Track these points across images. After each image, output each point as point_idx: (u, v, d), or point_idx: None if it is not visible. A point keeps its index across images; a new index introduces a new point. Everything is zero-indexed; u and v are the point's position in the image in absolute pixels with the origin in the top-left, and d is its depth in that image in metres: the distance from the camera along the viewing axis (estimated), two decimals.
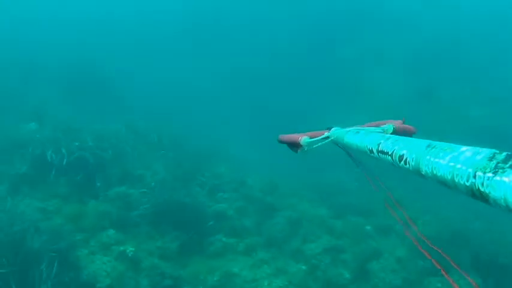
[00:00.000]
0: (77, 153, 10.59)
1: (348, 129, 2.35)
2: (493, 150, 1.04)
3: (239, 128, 18.37)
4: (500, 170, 0.94)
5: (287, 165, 14.91)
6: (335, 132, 2.42)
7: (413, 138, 1.55)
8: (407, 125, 2.52)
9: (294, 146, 2.61)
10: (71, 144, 10.78)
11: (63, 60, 19.54)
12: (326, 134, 2.50)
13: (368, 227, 11.17)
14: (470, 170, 1.04)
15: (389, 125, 2.43)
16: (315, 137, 2.55)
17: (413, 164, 1.38)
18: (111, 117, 14.46)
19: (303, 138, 2.54)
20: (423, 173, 1.31)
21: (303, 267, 9.73)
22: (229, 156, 14.09)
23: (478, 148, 1.10)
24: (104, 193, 10.26)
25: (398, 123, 2.49)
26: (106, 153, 11.18)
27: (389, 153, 1.60)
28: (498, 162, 0.97)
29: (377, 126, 2.46)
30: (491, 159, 1.00)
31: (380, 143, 1.72)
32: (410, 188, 11.88)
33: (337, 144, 2.40)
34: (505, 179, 0.92)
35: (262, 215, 11.35)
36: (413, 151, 1.41)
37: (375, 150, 1.76)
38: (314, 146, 2.53)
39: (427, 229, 11.20)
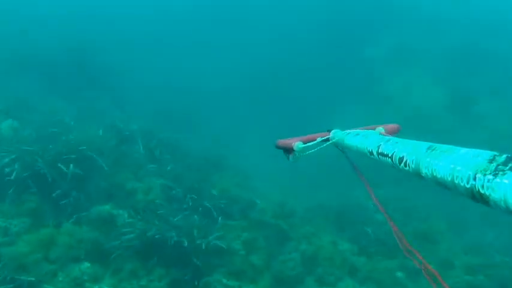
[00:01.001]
0: (53, 162, 8.74)
1: (347, 131, 2.34)
2: (493, 153, 1.03)
3: (247, 132, 16.39)
4: (501, 172, 0.94)
5: (302, 176, 13.09)
6: (335, 134, 2.38)
7: (413, 141, 1.54)
8: (393, 125, 2.50)
9: (288, 151, 2.51)
10: (46, 151, 8.93)
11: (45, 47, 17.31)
12: (326, 136, 2.44)
13: (399, 274, 9.26)
14: (470, 172, 1.04)
15: (381, 128, 2.37)
16: (313, 140, 2.47)
17: (413, 166, 1.38)
18: (99, 117, 12.56)
19: (296, 144, 2.43)
20: (423, 175, 1.31)
21: None
22: (236, 168, 12.14)
23: (478, 150, 1.10)
24: (83, 213, 8.43)
25: (391, 126, 2.46)
26: (90, 162, 9.31)
27: (389, 155, 1.60)
28: (498, 165, 0.97)
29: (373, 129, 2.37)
30: (491, 161, 1.00)
31: (380, 145, 1.73)
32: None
33: (338, 147, 2.38)
34: (505, 181, 0.92)
35: (274, 248, 9.49)
36: (413, 153, 1.40)
37: (374, 152, 1.76)
38: (309, 152, 2.44)
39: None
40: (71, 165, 8.76)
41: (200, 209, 9.41)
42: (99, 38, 19.67)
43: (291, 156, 2.50)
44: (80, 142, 9.73)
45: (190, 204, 9.44)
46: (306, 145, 2.45)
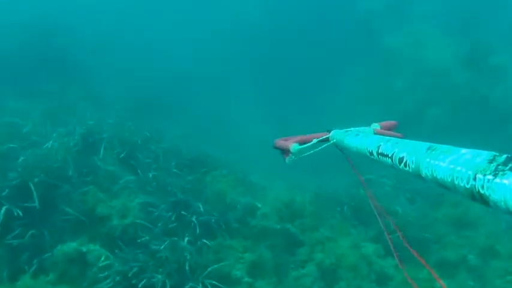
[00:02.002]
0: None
1: (346, 129, 2.32)
2: (493, 153, 1.03)
3: (240, 122, 14.55)
4: (501, 173, 0.94)
5: (308, 165, 11.41)
6: (335, 134, 2.36)
7: (413, 141, 1.53)
8: (390, 122, 2.52)
9: (285, 152, 2.49)
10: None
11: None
12: (325, 136, 2.44)
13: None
14: (470, 172, 1.04)
15: (376, 125, 2.43)
16: (312, 140, 2.47)
17: (413, 166, 1.38)
18: (62, 117, 10.71)
19: (292, 145, 2.41)
20: (423, 175, 1.30)
21: None
22: (230, 165, 10.35)
23: (478, 151, 1.10)
24: (45, 255, 6.77)
25: (387, 123, 2.49)
26: (50, 186, 7.58)
27: (389, 155, 1.59)
28: (498, 165, 0.97)
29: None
30: (491, 161, 1.00)
31: (380, 145, 1.72)
32: None
33: (337, 147, 2.36)
34: (505, 181, 0.91)
35: (284, 262, 7.90)
36: (413, 153, 1.40)
37: (374, 153, 1.75)
38: (307, 153, 2.42)
39: None
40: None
41: (190, 227, 7.73)
42: (64, 23, 17.44)
43: (287, 158, 2.45)
44: (37, 161, 8.01)
45: (178, 223, 7.76)
46: (302, 146, 2.41)
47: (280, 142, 2.58)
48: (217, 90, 17.10)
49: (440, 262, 8.70)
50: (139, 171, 8.93)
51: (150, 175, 8.84)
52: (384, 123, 2.52)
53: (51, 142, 9.13)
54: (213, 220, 7.92)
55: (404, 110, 16.55)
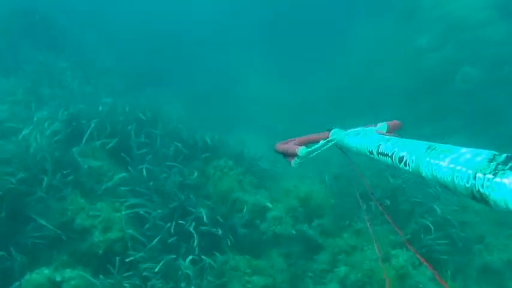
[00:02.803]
0: None
1: (347, 131, 2.33)
2: (493, 152, 1.04)
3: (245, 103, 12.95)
4: (500, 172, 0.95)
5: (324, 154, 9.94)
6: (336, 134, 2.35)
7: (413, 140, 1.54)
8: (396, 122, 2.45)
9: (289, 156, 2.46)
10: None
11: None
12: (328, 138, 2.41)
13: None
14: (470, 171, 1.04)
15: (384, 124, 2.35)
16: (313, 141, 2.48)
17: (413, 165, 1.38)
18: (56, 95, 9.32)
19: (300, 149, 2.35)
20: (423, 174, 1.31)
21: None
22: (237, 152, 8.94)
23: (478, 150, 1.10)
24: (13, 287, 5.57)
25: (393, 123, 2.42)
26: (19, 194, 6.28)
27: (390, 154, 1.60)
28: (498, 164, 0.97)
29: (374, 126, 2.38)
30: (491, 160, 1.00)
31: (380, 144, 1.72)
32: None
33: (338, 146, 2.36)
34: (505, 180, 0.92)
35: (300, 275, 6.66)
36: (413, 153, 1.41)
37: (375, 152, 1.75)
38: (313, 155, 2.37)
39: None
40: None
41: (190, 240, 6.45)
42: None
43: (293, 161, 2.41)
44: (4, 157, 6.70)
45: (175, 235, 6.47)
46: (310, 149, 2.36)
47: (283, 146, 2.52)
48: (222, 57, 15.47)
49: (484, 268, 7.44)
50: (129, 167, 7.56)
51: (144, 171, 7.48)
52: (391, 122, 2.40)
53: (27, 130, 7.82)
54: (218, 233, 6.60)
55: (432, 70, 14.85)
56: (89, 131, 7.83)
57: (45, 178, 6.60)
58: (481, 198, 1.00)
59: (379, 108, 15.79)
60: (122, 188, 7.01)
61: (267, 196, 8.12)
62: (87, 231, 6.30)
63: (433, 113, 14.54)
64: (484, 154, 1.05)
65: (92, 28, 14.11)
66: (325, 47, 18.39)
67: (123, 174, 7.36)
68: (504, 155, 0.99)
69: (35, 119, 8.40)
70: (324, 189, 8.62)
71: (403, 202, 8.00)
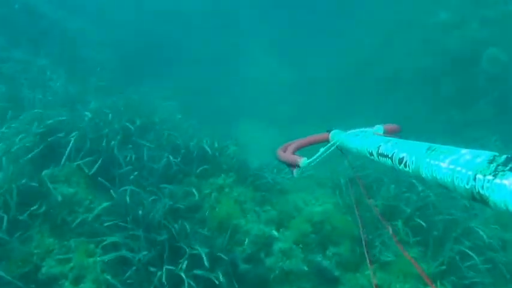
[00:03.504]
0: None
1: (347, 132, 2.32)
2: (493, 153, 1.03)
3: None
4: (500, 173, 0.94)
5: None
6: (336, 136, 2.35)
7: (413, 141, 1.53)
8: (393, 125, 2.46)
9: (292, 166, 2.41)
10: None
11: None
12: (328, 139, 2.42)
13: None
14: (470, 172, 1.04)
15: (380, 127, 2.36)
16: (313, 142, 2.50)
17: (413, 166, 1.38)
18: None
19: (302, 161, 2.30)
20: (423, 175, 1.31)
21: None
22: (239, 166, 7.72)
23: (478, 151, 1.10)
24: None
25: (390, 126, 2.43)
26: None
27: (389, 156, 1.59)
28: (498, 165, 0.97)
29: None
30: (491, 162, 1.00)
31: (380, 145, 1.72)
32: None
33: (338, 148, 2.33)
34: (505, 181, 0.92)
35: None
36: (413, 154, 1.40)
37: (374, 153, 1.75)
38: (315, 162, 2.30)
39: None
40: None
41: None
42: None
43: (295, 171, 2.39)
44: None
45: (165, 280, 5.36)
46: (312, 159, 2.29)
47: (285, 156, 2.48)
48: (224, 38, 14.12)
49: None
50: (112, 192, 6.42)
51: (127, 197, 6.33)
52: (387, 126, 2.39)
53: None
54: (218, 278, 5.47)
55: (454, 49, 13.42)
56: (67, 151, 6.69)
57: (6, 217, 5.49)
58: (481, 200, 0.98)
59: (394, 91, 14.43)
60: (100, 223, 5.87)
61: (273, 217, 6.99)
62: (55, 281, 5.22)
63: (457, 98, 13.16)
64: (484, 155, 1.04)
65: (78, 17, 12.81)
66: (336, 22, 16.92)
67: (103, 203, 6.24)
68: (504, 156, 0.98)
69: (3, 134, 7.29)
70: (338, 205, 7.45)
71: (436, 222, 6.77)
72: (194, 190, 6.96)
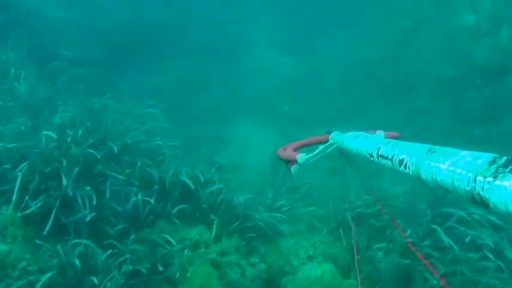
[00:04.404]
0: None
1: (347, 133, 2.32)
2: (493, 155, 1.02)
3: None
4: (501, 175, 0.93)
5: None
6: (337, 137, 2.34)
7: (413, 143, 1.51)
8: (393, 133, 2.48)
9: (290, 162, 2.44)
10: None
11: None
12: (328, 141, 2.40)
13: None
14: (470, 174, 1.03)
15: (381, 133, 2.34)
16: (314, 144, 2.50)
17: (413, 168, 1.37)
18: None
19: (300, 156, 2.33)
20: (423, 177, 1.30)
21: None
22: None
23: (478, 153, 1.08)
24: None
25: (391, 134, 2.44)
26: None
27: (389, 157, 1.58)
28: (498, 167, 0.96)
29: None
30: (491, 163, 0.99)
31: (380, 147, 1.70)
32: None
33: (338, 149, 2.34)
34: (505, 183, 0.91)
35: None
36: (413, 155, 1.39)
37: (374, 155, 1.74)
38: (313, 160, 2.34)
39: None
40: None
41: None
42: None
43: (292, 168, 2.38)
44: None
45: None
46: (309, 155, 2.35)
47: (284, 153, 2.51)
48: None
49: None
50: (59, 247, 5.13)
51: (76, 260, 5.03)
52: (389, 133, 2.41)
53: None
54: None
55: (482, 58, 11.99)
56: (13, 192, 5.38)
57: None
58: (481, 201, 0.98)
59: (407, 99, 12.97)
60: None
61: (261, 273, 5.79)
62: None
63: (482, 114, 11.72)
64: (485, 157, 1.02)
65: (58, 4, 11.32)
66: (347, 12, 15.39)
67: (45, 266, 4.96)
68: (504, 158, 0.97)
69: None
70: (340, 258, 6.22)
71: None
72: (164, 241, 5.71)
